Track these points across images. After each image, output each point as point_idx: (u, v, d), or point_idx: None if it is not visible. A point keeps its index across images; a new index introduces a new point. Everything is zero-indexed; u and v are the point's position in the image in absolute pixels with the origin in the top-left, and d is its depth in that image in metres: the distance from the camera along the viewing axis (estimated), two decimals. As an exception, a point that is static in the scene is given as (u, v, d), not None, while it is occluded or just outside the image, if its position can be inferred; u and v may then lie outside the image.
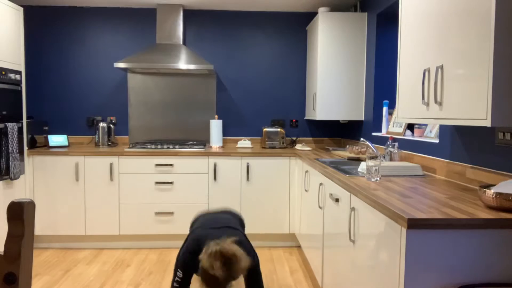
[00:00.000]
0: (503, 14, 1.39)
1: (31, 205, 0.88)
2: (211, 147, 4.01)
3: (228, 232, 2.19)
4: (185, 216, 3.69)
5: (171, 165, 3.65)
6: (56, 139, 3.95)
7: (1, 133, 3.21)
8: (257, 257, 2.25)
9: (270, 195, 3.73)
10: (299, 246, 3.85)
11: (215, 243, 1.96)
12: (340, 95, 3.75)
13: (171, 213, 3.68)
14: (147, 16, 4.23)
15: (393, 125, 3.11)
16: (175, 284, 2.14)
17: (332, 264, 2.37)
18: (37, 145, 3.83)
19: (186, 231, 3.50)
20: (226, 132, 4.35)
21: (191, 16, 4.26)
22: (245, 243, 2.18)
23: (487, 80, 1.44)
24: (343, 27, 3.70)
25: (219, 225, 2.29)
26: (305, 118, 4.33)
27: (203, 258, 1.92)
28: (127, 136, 4.28)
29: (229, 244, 1.94)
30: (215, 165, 3.67)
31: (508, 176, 1.76)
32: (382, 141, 3.24)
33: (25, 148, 3.57)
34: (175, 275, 2.16)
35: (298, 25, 4.32)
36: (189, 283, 2.16)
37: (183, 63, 3.76)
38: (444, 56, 1.74)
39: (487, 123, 1.44)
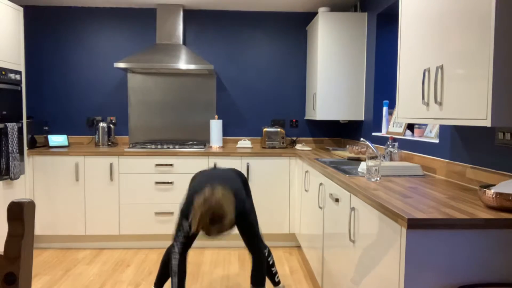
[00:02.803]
0: (503, 14, 1.39)
1: (31, 205, 0.88)
2: (211, 147, 4.01)
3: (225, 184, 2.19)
4: (185, 216, 3.69)
5: (171, 165, 3.65)
6: (56, 139, 3.95)
7: (1, 133, 3.21)
8: (249, 208, 2.26)
9: (270, 195, 3.73)
10: (299, 246, 3.85)
11: (203, 197, 1.99)
12: (340, 95, 3.75)
13: (171, 213, 3.68)
14: (147, 16, 4.23)
15: (393, 125, 3.11)
16: (181, 238, 2.17)
17: (332, 264, 2.37)
18: (37, 145, 3.83)
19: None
20: (226, 132, 4.35)
21: (191, 16, 4.26)
22: (240, 193, 2.20)
23: (487, 80, 1.44)
24: (343, 27, 3.70)
25: (218, 180, 2.26)
26: (305, 118, 4.33)
27: (193, 215, 1.98)
28: (127, 136, 4.28)
29: (216, 200, 1.96)
30: (215, 165, 3.67)
31: (508, 176, 1.76)
32: (382, 141, 3.24)
33: (25, 148, 3.57)
34: (180, 226, 2.20)
35: (298, 25, 4.32)
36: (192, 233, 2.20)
37: (183, 63, 3.76)
38: (444, 56, 1.74)
39: (487, 123, 1.44)
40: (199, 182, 2.28)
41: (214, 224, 1.92)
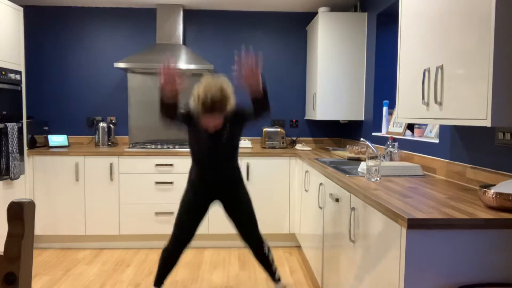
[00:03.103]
0: (503, 14, 1.39)
1: (31, 205, 0.88)
2: (211, 147, 4.00)
3: None
4: (185, 216, 3.68)
5: (171, 165, 3.65)
6: (56, 139, 3.95)
7: (1, 133, 3.21)
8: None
9: (270, 195, 3.73)
10: (299, 246, 3.84)
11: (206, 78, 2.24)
12: (340, 95, 3.75)
13: (171, 213, 3.68)
14: (147, 16, 4.23)
15: (393, 125, 3.11)
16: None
17: (332, 264, 2.37)
18: (37, 145, 3.83)
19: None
20: (226, 132, 4.35)
21: (191, 16, 4.26)
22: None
23: (487, 80, 1.44)
24: (343, 27, 3.70)
25: None
26: (305, 118, 4.33)
27: (194, 92, 2.24)
28: (127, 136, 4.28)
29: (217, 78, 2.23)
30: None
31: (508, 176, 1.76)
32: (382, 141, 3.24)
33: (25, 148, 3.57)
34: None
35: (298, 25, 4.32)
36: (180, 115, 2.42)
37: (183, 63, 3.76)
38: (444, 56, 1.74)
39: (487, 123, 1.44)
40: None
41: (215, 95, 2.16)
